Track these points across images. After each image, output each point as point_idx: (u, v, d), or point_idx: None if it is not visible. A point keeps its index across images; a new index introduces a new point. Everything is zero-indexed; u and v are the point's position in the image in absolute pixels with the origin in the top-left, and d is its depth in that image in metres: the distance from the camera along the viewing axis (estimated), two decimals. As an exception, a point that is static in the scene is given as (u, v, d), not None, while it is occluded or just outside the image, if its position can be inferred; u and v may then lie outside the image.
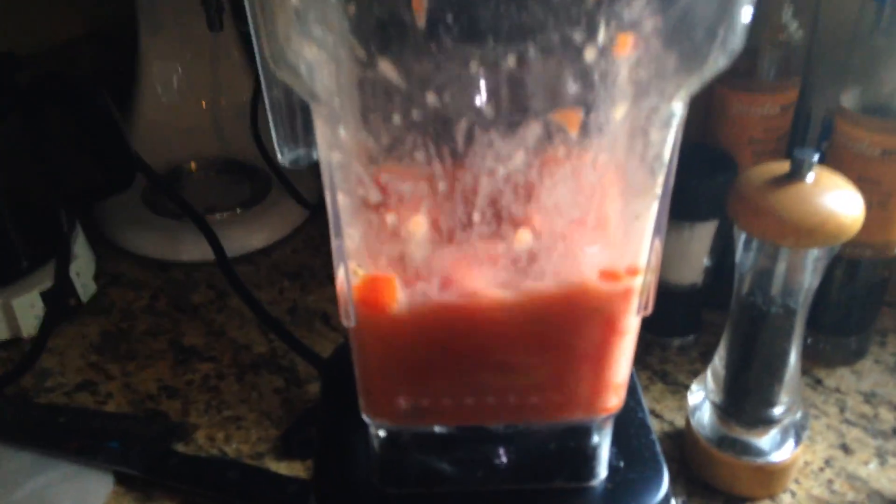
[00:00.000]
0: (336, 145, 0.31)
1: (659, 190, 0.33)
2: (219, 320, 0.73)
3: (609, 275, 0.34)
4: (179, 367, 0.68)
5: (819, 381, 0.65)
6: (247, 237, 0.79)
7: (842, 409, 0.63)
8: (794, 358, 0.54)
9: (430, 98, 0.28)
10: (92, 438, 0.62)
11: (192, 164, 0.85)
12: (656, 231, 0.34)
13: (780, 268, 0.51)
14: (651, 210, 0.33)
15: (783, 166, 0.51)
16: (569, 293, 0.34)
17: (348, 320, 0.34)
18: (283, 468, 0.60)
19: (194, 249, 0.76)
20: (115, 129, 0.65)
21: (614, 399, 0.39)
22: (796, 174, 0.49)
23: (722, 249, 0.65)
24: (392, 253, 0.32)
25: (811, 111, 0.65)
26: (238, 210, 0.80)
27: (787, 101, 0.61)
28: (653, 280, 0.35)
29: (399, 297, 0.33)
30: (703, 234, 0.63)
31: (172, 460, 0.60)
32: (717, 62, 0.29)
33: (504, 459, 0.41)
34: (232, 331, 0.72)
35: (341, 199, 0.32)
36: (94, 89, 0.63)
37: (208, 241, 0.71)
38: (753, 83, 0.60)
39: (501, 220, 0.32)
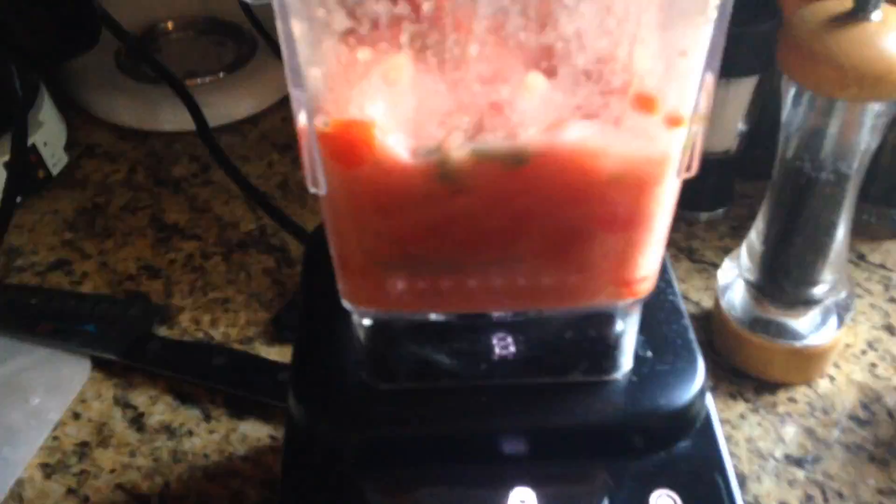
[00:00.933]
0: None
1: (714, 11, 0.26)
2: (202, 195, 0.67)
3: (644, 106, 0.27)
4: (161, 245, 0.63)
5: (862, 257, 0.59)
6: (231, 104, 0.72)
7: (886, 287, 0.57)
8: (842, 232, 0.48)
9: None
10: (66, 321, 0.57)
11: (169, 24, 0.77)
12: (708, 66, 0.27)
13: (834, 126, 0.44)
14: (702, 38, 0.26)
15: (844, 3, 0.43)
16: (594, 148, 0.27)
17: (317, 185, 0.28)
18: (273, 353, 0.55)
19: (174, 118, 0.69)
20: (73, -24, 0.58)
21: (645, 282, 0.33)
22: (860, 11, 0.41)
23: (759, 112, 0.58)
24: (366, 98, 0.26)
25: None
26: (221, 74, 0.73)
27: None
28: (700, 131, 0.28)
29: (379, 147, 0.26)
30: (740, 93, 0.56)
31: (153, 344, 0.56)
32: None
33: (512, 350, 0.35)
34: (217, 207, 0.66)
35: (297, 28, 0.25)
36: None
37: (188, 108, 0.64)
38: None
39: (506, 51, 0.25)
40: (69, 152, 0.69)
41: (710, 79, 0.28)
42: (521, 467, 0.35)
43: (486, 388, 0.35)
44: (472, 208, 0.29)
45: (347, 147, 0.26)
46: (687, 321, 0.38)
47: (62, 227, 0.64)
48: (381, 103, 0.27)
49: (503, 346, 0.35)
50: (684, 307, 0.38)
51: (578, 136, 0.27)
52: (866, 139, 0.44)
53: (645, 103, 0.28)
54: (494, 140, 0.27)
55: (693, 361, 0.36)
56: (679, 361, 0.36)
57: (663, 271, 0.39)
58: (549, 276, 0.32)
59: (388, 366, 0.35)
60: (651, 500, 0.33)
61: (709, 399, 0.36)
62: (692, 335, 0.37)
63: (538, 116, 0.27)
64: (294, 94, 0.26)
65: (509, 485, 0.34)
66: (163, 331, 0.57)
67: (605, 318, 0.34)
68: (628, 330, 0.35)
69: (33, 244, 0.63)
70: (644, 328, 0.36)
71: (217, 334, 0.57)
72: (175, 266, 0.61)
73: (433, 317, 0.34)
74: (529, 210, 0.29)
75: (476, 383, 0.36)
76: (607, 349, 0.35)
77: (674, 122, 0.27)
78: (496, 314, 0.34)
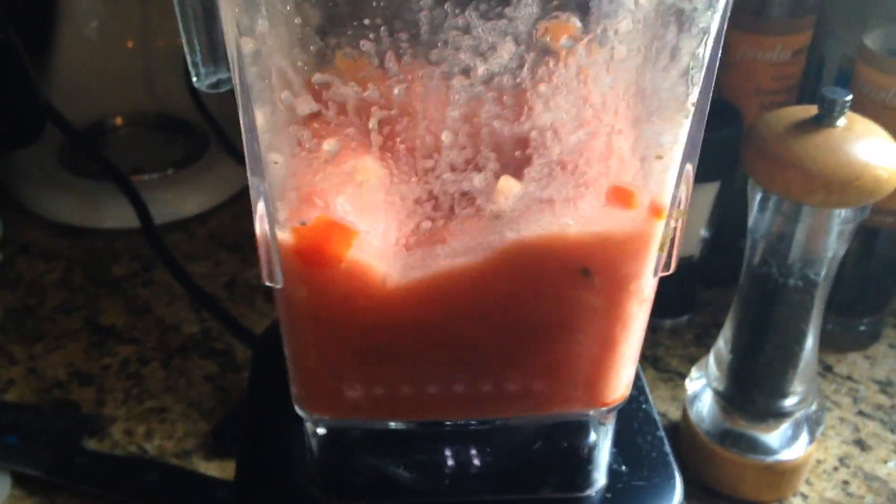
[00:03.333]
0: (249, 29, 0.22)
1: (692, 104, 0.24)
2: (143, 296, 0.63)
3: (622, 200, 0.25)
4: (95, 349, 0.59)
5: (829, 368, 0.57)
6: (179, 202, 0.69)
7: (855, 400, 0.55)
8: (811, 341, 0.47)
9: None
10: (-14, 432, 0.52)
11: (118, 119, 0.75)
12: (687, 158, 0.25)
13: (802, 231, 0.43)
14: (681, 130, 0.25)
15: (808, 110, 0.43)
16: (567, 240, 0.25)
17: (273, 280, 0.26)
18: (213, 468, 0.51)
19: (117, 215, 0.66)
20: (20, 68, 0.55)
21: (619, 388, 0.30)
22: (826, 118, 0.41)
23: (721, 218, 0.57)
24: (329, 186, 0.23)
25: (825, 58, 0.57)
26: (170, 171, 0.70)
27: (799, 45, 0.53)
28: (679, 228, 0.27)
29: (353, 255, 0.24)
30: (701, 200, 0.55)
31: (80, 459, 0.51)
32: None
33: (477, 463, 0.32)
34: (159, 308, 0.62)
35: (259, 113, 0.23)
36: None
37: (132, 204, 0.61)
38: (762, 23, 0.52)
39: (480, 142, 0.23)
40: (2, 250, 0.65)
41: (689, 173, 0.27)
42: None
43: (448, 508, 0.32)
44: (432, 320, 0.27)
45: (318, 248, 0.24)
46: (662, 432, 0.35)
47: (-11, 330, 0.60)
48: (345, 198, 0.25)
49: (468, 458, 0.32)
50: (658, 417, 0.36)
51: (553, 227, 0.25)
52: (834, 245, 0.44)
53: (622, 197, 0.26)
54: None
55: (670, 477, 0.33)
56: (655, 477, 0.33)
57: (636, 378, 0.37)
58: (517, 382, 0.30)
59: (342, 480, 0.32)
60: None
61: (688, 518, 0.33)
62: (668, 448, 0.34)
63: (512, 209, 0.25)
64: (253, 182, 0.24)
65: None
66: (92, 443, 0.53)
67: (577, 428, 0.32)
68: (602, 441, 0.32)
69: (-44, 347, 0.58)
70: (617, 440, 0.34)
71: (151, 447, 0.52)
72: (109, 372, 0.57)
73: (392, 425, 0.31)
74: (501, 304, 0.27)
75: (439, 500, 0.32)
76: (580, 462, 0.32)
77: (655, 212, 0.26)
78: (460, 422, 0.31)
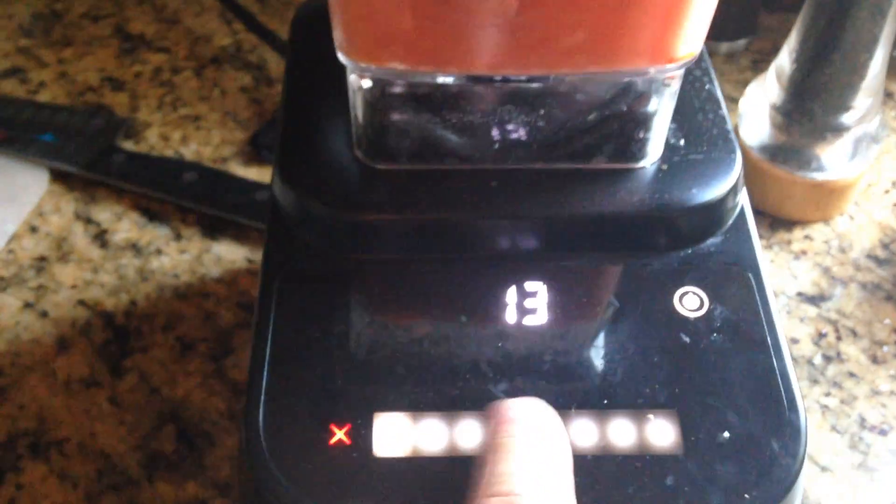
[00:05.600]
0: None
1: None
2: (172, 5, 0.60)
3: None
4: (125, 56, 0.57)
5: (890, 95, 0.55)
6: None
7: (914, 128, 0.53)
8: (881, 53, 0.44)
9: None
10: (22, 129, 0.52)
11: None
12: None
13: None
14: None
15: None
16: None
17: None
18: (251, 174, 0.51)
19: (141, -82, 0.62)
20: None
21: (687, 42, 0.28)
22: None
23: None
24: None
25: None
26: None
27: None
28: None
29: None
30: None
31: (118, 157, 0.51)
32: None
33: (529, 127, 0.31)
34: (188, 18, 0.60)
35: None
36: None
37: None
38: None
39: None
40: (23, -47, 0.62)
41: None
42: (534, 262, 0.31)
43: (497, 173, 0.31)
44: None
45: None
46: (725, 112, 0.33)
47: (16, 34, 0.58)
48: None
49: (519, 123, 0.31)
50: (721, 97, 0.34)
51: None
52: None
53: None
54: None
55: (730, 152, 0.32)
56: (714, 151, 0.32)
57: (701, 58, 0.35)
58: (573, 24, 0.27)
59: (387, 142, 0.31)
60: (675, 298, 0.30)
61: (743, 195, 0.32)
62: (730, 126, 0.33)
63: None
64: None
65: (518, 278, 0.30)
66: (128, 145, 0.52)
67: (636, 91, 0.30)
68: (662, 110, 0.30)
69: (-17, 49, 0.57)
70: (677, 115, 0.32)
71: (188, 152, 0.52)
72: (141, 79, 0.56)
73: (440, 80, 0.29)
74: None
75: (486, 167, 0.31)
76: (637, 130, 0.31)
77: None
78: (513, 80, 0.29)
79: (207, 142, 0.52)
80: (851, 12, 0.42)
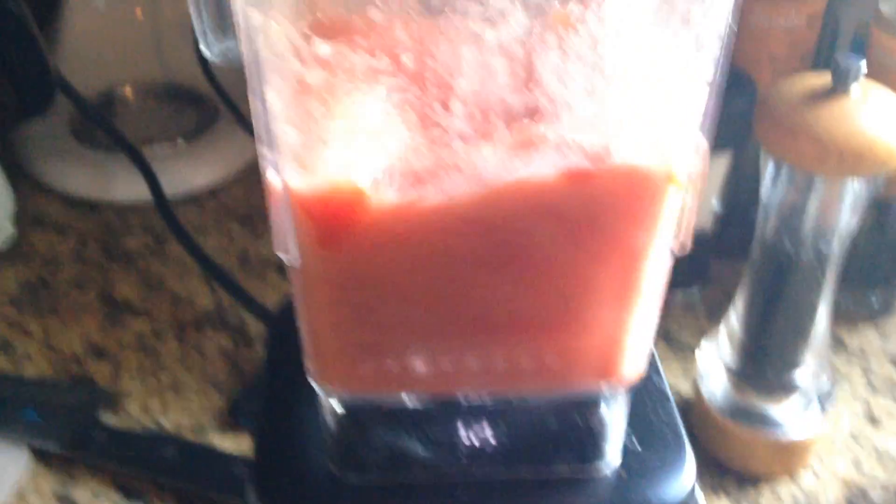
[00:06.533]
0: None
1: (706, 73, 0.25)
2: (156, 270, 0.64)
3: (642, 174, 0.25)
4: (109, 323, 0.59)
5: (841, 342, 0.57)
6: (190, 173, 0.69)
7: (866, 374, 0.56)
8: (823, 314, 0.47)
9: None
10: (5, 407, 0.53)
11: (127, 89, 0.74)
12: (703, 129, 0.25)
13: (814, 203, 0.43)
14: (698, 98, 0.25)
15: (821, 78, 0.42)
16: (578, 200, 0.25)
17: (287, 252, 0.26)
18: (228, 443, 0.52)
19: (129, 188, 0.66)
20: (30, 38, 0.55)
21: (635, 365, 0.31)
22: (839, 86, 0.41)
23: (734, 190, 0.57)
24: (341, 156, 0.23)
25: (840, 24, 0.56)
26: (180, 142, 0.70)
27: (813, 11, 0.52)
28: (694, 202, 0.27)
29: (362, 217, 0.24)
30: (713, 171, 0.55)
31: (99, 434, 0.51)
32: None
33: (491, 440, 0.33)
34: (171, 282, 0.63)
35: (267, 82, 0.23)
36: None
37: (144, 177, 0.61)
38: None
39: (489, 111, 0.23)
40: (17, 224, 0.66)
41: (705, 146, 0.27)
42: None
43: (463, 485, 0.33)
44: (445, 289, 0.27)
45: (329, 213, 0.24)
46: (674, 408, 0.35)
47: (5, 304, 0.60)
48: (356, 151, 0.25)
49: (482, 435, 0.32)
50: (670, 392, 0.36)
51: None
52: (846, 217, 0.44)
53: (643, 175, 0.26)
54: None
55: (682, 455, 0.33)
56: (669, 454, 0.33)
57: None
58: (529, 356, 0.30)
59: (358, 456, 0.33)
60: None
61: (698, 493, 0.34)
62: (681, 426, 0.35)
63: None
64: (262, 152, 0.24)
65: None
66: (109, 418, 0.53)
67: (591, 404, 0.32)
68: (616, 419, 0.32)
69: (-28, 322, 0.59)
70: (631, 417, 0.34)
71: (167, 422, 0.53)
72: (124, 347, 0.58)
73: (407, 401, 0.31)
74: (506, 279, 0.27)
75: (452, 478, 0.33)
76: (594, 439, 0.32)
77: (666, 179, 0.26)
78: (474, 399, 0.31)
79: (186, 409, 0.54)
80: (788, 283, 0.46)
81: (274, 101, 0.23)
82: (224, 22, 0.30)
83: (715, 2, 0.24)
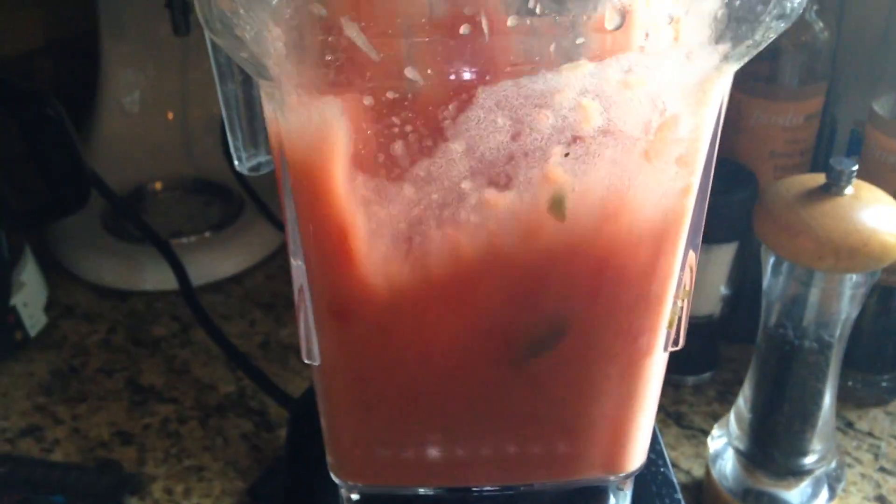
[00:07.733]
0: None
1: (689, 193, 0.27)
2: (182, 356, 0.66)
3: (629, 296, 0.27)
4: (136, 409, 0.61)
5: (850, 424, 0.58)
6: (215, 263, 0.72)
7: (876, 456, 0.56)
8: (828, 400, 0.48)
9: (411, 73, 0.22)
10: (34, 491, 0.55)
11: (157, 184, 0.78)
12: (690, 243, 0.27)
13: (814, 295, 0.45)
14: (685, 213, 0.27)
15: (817, 178, 0.44)
16: (582, 317, 0.27)
17: (311, 357, 0.28)
18: (249, 526, 0.53)
19: (157, 277, 0.69)
20: (68, 141, 0.59)
21: (635, 456, 0.32)
22: (833, 187, 0.43)
23: (741, 276, 0.59)
24: (369, 274, 0.26)
25: (837, 122, 0.59)
26: (206, 234, 0.73)
27: (811, 110, 0.55)
28: (685, 307, 0.28)
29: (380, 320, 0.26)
30: (720, 259, 0.57)
31: (123, 518, 0.53)
32: (772, 25, 0.23)
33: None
34: (196, 368, 0.65)
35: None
36: (43, 96, 0.57)
37: (171, 267, 0.64)
38: (775, 89, 0.54)
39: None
40: (48, 313, 0.69)
41: (692, 258, 0.29)
42: None
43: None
44: (458, 389, 0.29)
45: (353, 325, 0.26)
46: (679, 495, 0.36)
47: (36, 391, 0.63)
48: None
49: (494, 523, 0.34)
50: (675, 479, 0.37)
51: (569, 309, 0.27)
52: (847, 308, 0.45)
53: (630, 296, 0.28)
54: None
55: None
56: (675, 541, 0.35)
57: (653, 442, 0.39)
58: (538, 447, 0.31)
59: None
60: None
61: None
62: (687, 511, 0.36)
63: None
64: (294, 264, 0.27)
65: None
66: (134, 502, 0.55)
67: (597, 493, 0.33)
68: (622, 505, 0.34)
69: (5, 409, 0.61)
70: (636, 502, 0.35)
71: (190, 505, 0.54)
72: (149, 432, 0.60)
73: (422, 491, 0.33)
74: (517, 381, 0.29)
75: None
76: (601, 527, 0.34)
77: (659, 295, 0.28)
78: (486, 489, 0.33)
79: (209, 493, 0.55)
80: (793, 370, 0.47)
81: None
82: (256, 138, 0.33)
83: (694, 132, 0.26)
